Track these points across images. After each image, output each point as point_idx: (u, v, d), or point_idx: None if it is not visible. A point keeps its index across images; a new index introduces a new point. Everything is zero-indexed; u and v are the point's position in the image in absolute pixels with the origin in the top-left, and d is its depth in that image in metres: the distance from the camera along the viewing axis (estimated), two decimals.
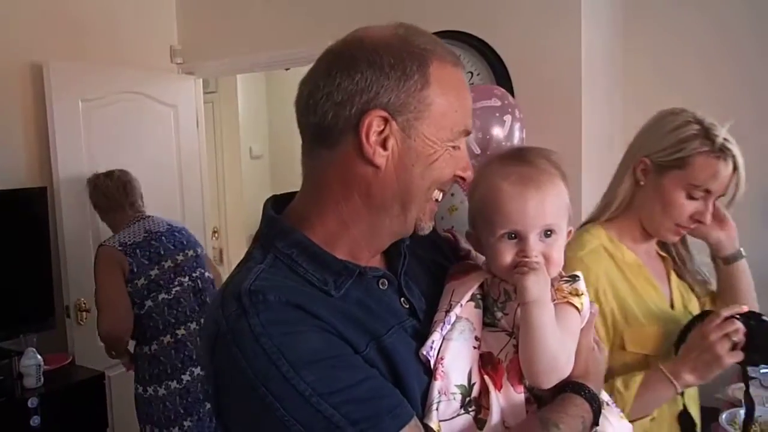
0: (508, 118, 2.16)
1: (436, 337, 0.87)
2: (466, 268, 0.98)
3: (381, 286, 0.90)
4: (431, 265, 1.01)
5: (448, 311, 0.90)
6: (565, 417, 0.84)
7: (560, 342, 0.86)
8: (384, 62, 0.82)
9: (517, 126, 2.20)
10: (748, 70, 2.55)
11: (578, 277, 0.93)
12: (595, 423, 0.88)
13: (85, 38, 3.07)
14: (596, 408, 0.89)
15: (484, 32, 2.51)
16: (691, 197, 1.28)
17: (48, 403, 2.44)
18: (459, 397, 0.85)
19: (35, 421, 2.39)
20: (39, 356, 2.53)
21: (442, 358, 0.86)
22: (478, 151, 2.13)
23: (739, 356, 1.18)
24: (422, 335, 0.89)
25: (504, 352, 0.88)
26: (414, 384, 0.84)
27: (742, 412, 1.86)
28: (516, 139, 2.20)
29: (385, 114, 0.82)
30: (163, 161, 3.35)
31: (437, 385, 0.85)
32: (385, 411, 0.76)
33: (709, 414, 2.05)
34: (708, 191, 1.27)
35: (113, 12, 3.21)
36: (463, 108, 0.87)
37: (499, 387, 0.86)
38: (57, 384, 2.58)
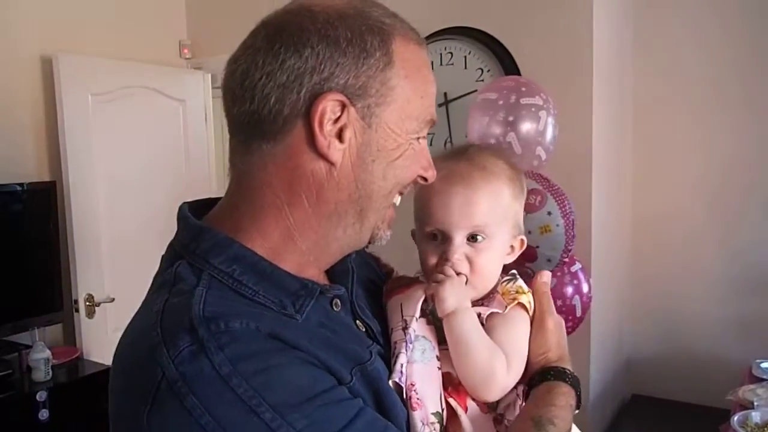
0: (543, 113, 2.09)
1: (403, 360, 0.76)
2: (406, 282, 0.87)
3: (335, 308, 0.74)
4: (368, 283, 0.87)
5: (405, 328, 0.79)
6: (556, 410, 0.75)
7: (492, 351, 0.77)
8: (339, 36, 0.67)
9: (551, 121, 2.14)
10: (760, 68, 2.51)
11: (515, 274, 0.86)
12: (578, 407, 0.81)
13: (94, 32, 3.07)
14: (579, 392, 0.81)
15: (493, 28, 2.49)
16: None
17: (56, 396, 2.45)
18: (438, 426, 0.75)
19: (43, 414, 2.40)
20: (47, 350, 2.53)
21: (412, 384, 0.75)
22: (519, 151, 2.02)
23: None
24: (387, 360, 0.77)
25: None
26: (399, 414, 0.72)
27: (753, 414, 1.85)
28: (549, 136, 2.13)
29: (341, 98, 0.67)
30: (170, 156, 3.35)
31: (418, 415, 0.74)
32: None
33: (720, 415, 2.04)
34: None
35: (123, 6, 3.20)
36: (429, 94, 0.73)
37: (465, 409, 0.77)
38: (65, 378, 2.59)
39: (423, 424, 0.73)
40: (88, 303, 2.89)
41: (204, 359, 0.59)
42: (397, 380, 0.74)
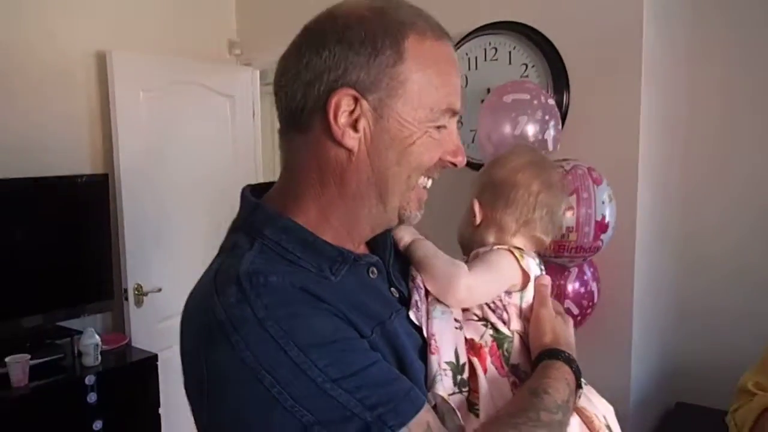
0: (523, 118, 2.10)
1: (416, 297, 0.89)
2: None
3: (371, 275, 0.85)
4: (403, 258, 0.97)
5: (414, 279, 0.93)
6: (550, 381, 0.84)
7: (448, 264, 0.92)
8: (354, 37, 0.76)
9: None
10: None
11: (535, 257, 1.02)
12: (579, 386, 0.90)
13: (146, 29, 3.16)
14: (576, 369, 0.90)
15: (539, 22, 2.43)
16: None
17: (104, 381, 2.54)
18: (450, 373, 0.85)
19: (92, 398, 2.49)
20: (97, 336, 2.63)
21: (432, 334, 0.87)
22: (491, 149, 2.06)
23: None
24: (414, 325, 0.88)
25: (483, 340, 0.91)
26: (417, 369, 0.81)
27: None
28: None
29: (353, 92, 0.76)
30: (218, 150, 3.42)
31: (434, 359, 0.84)
32: (401, 395, 0.72)
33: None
34: None
35: (174, 3, 3.29)
36: (446, 85, 0.80)
37: (485, 369, 0.88)
38: (113, 363, 2.68)
39: (439, 366, 0.84)
40: (136, 292, 2.99)
41: (246, 306, 0.70)
42: (412, 317, 0.86)
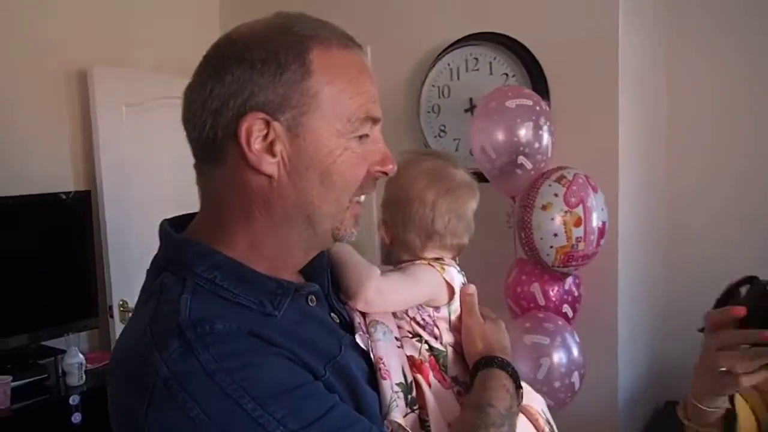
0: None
1: (357, 320, 0.89)
2: None
3: (310, 303, 0.81)
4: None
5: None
6: (490, 393, 0.84)
7: (361, 268, 0.91)
8: (255, 57, 0.72)
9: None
10: None
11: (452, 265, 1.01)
12: (518, 386, 0.90)
13: (129, 45, 3.15)
14: (512, 372, 0.90)
15: (518, 33, 2.46)
16: None
17: (89, 401, 2.51)
18: (401, 395, 0.85)
19: (76, 418, 2.46)
20: (81, 355, 2.60)
21: (380, 358, 0.85)
22: (493, 155, 2.07)
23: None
24: (360, 349, 0.85)
25: (422, 356, 0.92)
26: (370, 399, 0.79)
27: None
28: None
29: (263, 115, 0.72)
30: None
31: (387, 384, 0.83)
32: None
33: None
34: None
35: (157, 18, 3.28)
36: (360, 93, 0.76)
37: (429, 384, 0.89)
38: (98, 382, 2.65)
39: (391, 390, 0.83)
40: (122, 309, 2.96)
41: (192, 359, 0.65)
42: (358, 341, 0.85)
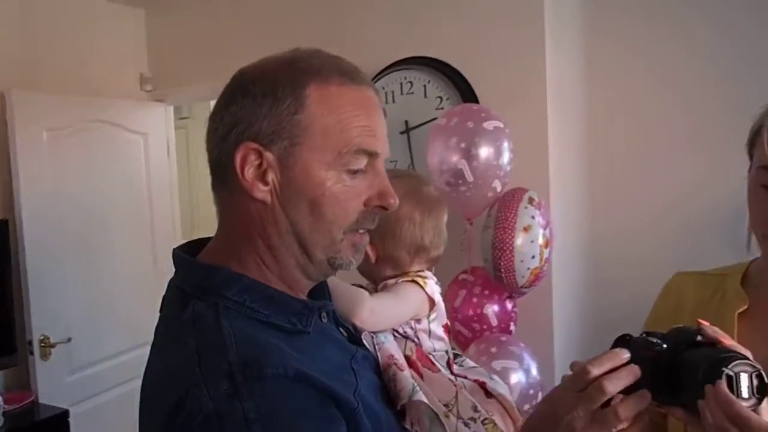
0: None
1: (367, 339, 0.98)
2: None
3: (323, 320, 0.85)
4: None
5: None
6: None
7: (350, 293, 1.00)
8: (257, 90, 0.77)
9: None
10: (714, 88, 2.54)
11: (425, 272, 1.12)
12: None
13: (52, 67, 3.03)
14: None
15: (451, 57, 2.50)
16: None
17: None
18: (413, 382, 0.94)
19: None
20: None
21: (391, 355, 0.95)
22: (470, 178, 2.06)
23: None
24: (372, 361, 0.92)
25: (408, 350, 1.01)
26: (383, 419, 0.83)
27: None
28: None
29: (255, 146, 0.76)
30: (132, 189, 3.29)
31: (405, 374, 0.93)
32: None
33: None
34: None
35: (81, 40, 3.17)
36: (354, 127, 0.78)
37: (421, 375, 0.98)
38: (19, 423, 2.49)
39: (412, 378, 0.93)
40: (43, 344, 2.79)
41: (237, 402, 0.68)
42: (365, 340, 0.95)
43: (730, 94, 2.42)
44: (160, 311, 0.86)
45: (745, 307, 1.01)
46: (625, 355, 0.75)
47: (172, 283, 0.84)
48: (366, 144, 0.79)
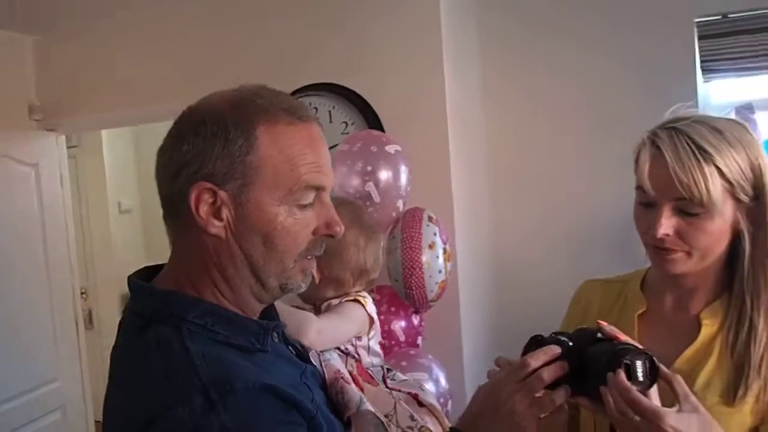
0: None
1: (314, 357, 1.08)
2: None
3: (275, 339, 0.90)
4: None
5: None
6: None
7: (297, 317, 1.10)
8: (208, 131, 0.81)
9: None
10: (598, 118, 2.83)
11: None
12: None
13: None
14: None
15: (355, 83, 2.63)
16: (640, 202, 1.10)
17: None
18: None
19: None
20: None
21: (338, 370, 1.06)
22: (378, 199, 2.19)
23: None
24: (318, 377, 1.00)
25: (349, 366, 1.12)
26: (336, 426, 0.90)
27: None
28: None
29: (210, 185, 0.81)
30: (24, 222, 3.14)
31: (353, 387, 1.04)
32: None
33: None
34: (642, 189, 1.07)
35: None
36: (303, 164, 0.83)
37: (361, 389, 1.08)
38: None
39: (357, 391, 1.03)
40: None
41: (214, 416, 0.73)
42: (312, 359, 1.04)
43: (610, 119, 2.72)
44: (117, 337, 0.90)
45: (643, 309, 1.15)
46: (557, 350, 0.89)
47: (128, 309, 0.88)
48: (314, 180, 0.85)
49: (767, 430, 1.02)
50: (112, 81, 3.06)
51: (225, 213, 0.82)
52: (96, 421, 3.51)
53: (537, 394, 0.86)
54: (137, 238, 4.71)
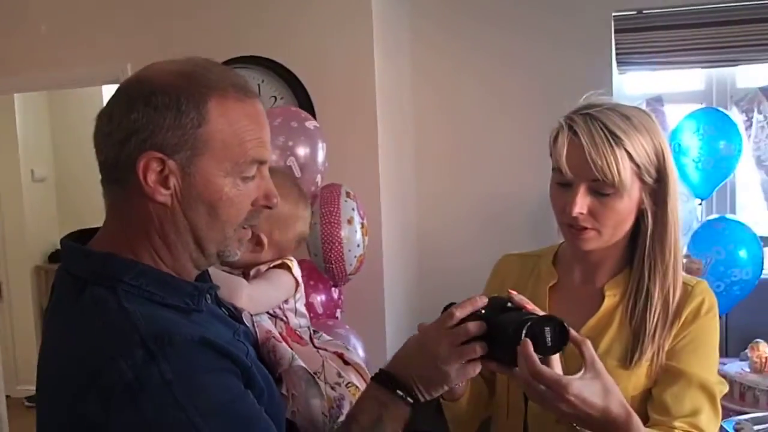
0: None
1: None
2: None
3: (208, 300, 0.94)
4: None
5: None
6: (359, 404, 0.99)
7: (230, 282, 1.14)
8: (159, 102, 0.83)
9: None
10: (523, 91, 2.94)
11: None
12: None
13: None
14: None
15: (283, 57, 2.63)
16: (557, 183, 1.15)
17: None
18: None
19: None
20: None
21: (269, 330, 1.14)
22: (299, 174, 2.20)
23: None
24: (250, 337, 1.04)
25: (278, 328, 1.19)
26: (267, 377, 0.94)
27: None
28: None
29: (159, 155, 0.83)
30: None
31: (284, 345, 1.11)
32: None
33: None
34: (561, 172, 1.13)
35: None
36: (249, 140, 0.87)
37: (290, 346, 1.16)
38: None
39: (289, 349, 1.12)
40: None
41: (154, 367, 0.76)
42: (245, 319, 1.09)
43: (532, 100, 2.84)
44: (50, 298, 0.91)
45: (554, 282, 1.23)
46: (483, 301, 0.96)
47: (61, 271, 0.90)
48: (258, 155, 0.88)
49: (659, 391, 1.13)
50: (26, 44, 2.92)
51: (172, 182, 0.84)
52: (7, 396, 3.40)
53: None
54: (51, 208, 4.51)
